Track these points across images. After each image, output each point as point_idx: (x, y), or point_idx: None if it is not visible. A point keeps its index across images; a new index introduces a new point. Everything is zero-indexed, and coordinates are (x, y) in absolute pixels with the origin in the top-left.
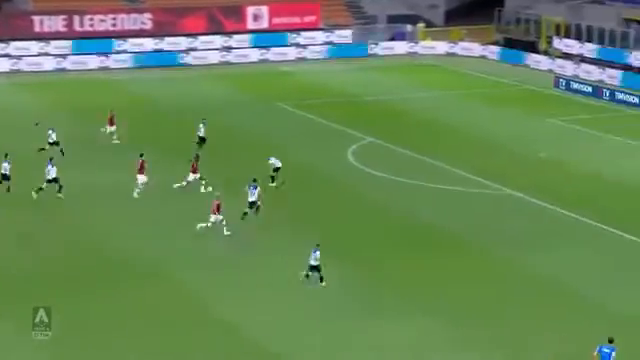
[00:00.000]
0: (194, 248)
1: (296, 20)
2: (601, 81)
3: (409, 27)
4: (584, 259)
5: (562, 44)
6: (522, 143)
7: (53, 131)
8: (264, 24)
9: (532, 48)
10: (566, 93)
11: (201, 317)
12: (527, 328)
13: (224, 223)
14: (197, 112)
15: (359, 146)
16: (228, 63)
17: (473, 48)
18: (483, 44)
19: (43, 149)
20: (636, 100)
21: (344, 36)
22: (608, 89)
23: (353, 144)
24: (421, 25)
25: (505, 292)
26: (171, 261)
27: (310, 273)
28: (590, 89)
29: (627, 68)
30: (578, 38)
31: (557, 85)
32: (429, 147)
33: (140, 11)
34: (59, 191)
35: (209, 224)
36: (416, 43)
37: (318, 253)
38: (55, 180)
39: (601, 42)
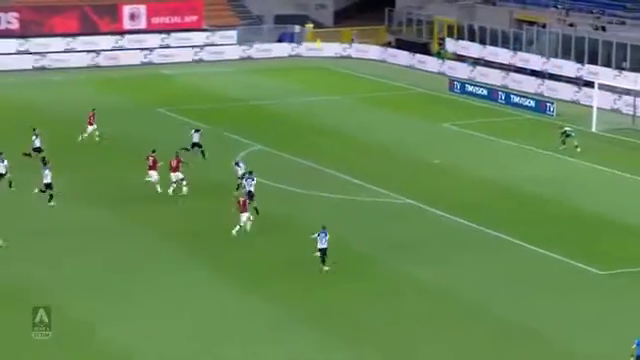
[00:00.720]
0: (72, 271)
1: (177, 20)
2: (496, 84)
3: (297, 28)
4: (478, 268)
5: (455, 45)
6: (417, 149)
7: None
8: (142, 24)
9: (425, 50)
10: (461, 96)
11: (86, 344)
12: (420, 339)
13: None
14: (68, 120)
15: (247, 154)
16: (99, 66)
17: (363, 50)
18: (374, 45)
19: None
20: (532, 103)
21: (228, 37)
22: (504, 92)
23: (240, 152)
24: (309, 26)
25: (398, 304)
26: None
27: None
28: (485, 92)
29: (520, 70)
30: (471, 39)
31: (452, 88)
32: (320, 154)
33: (5, 10)
34: (49, 200)
35: (241, 225)
36: (300, 45)
37: (327, 236)
38: (49, 186)
39: (494, 43)
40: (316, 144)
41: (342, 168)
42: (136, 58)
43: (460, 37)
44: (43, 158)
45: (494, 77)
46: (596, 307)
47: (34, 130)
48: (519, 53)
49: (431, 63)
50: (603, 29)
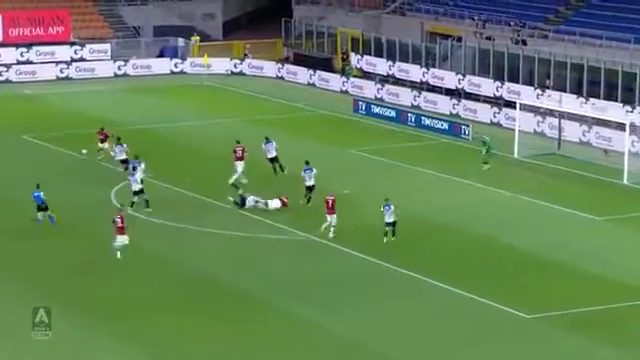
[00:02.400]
0: None
1: (39, 32)
2: (407, 104)
3: (181, 41)
4: (388, 312)
5: (361, 61)
6: (322, 179)
7: None
8: None
9: (327, 66)
10: (367, 118)
11: None
12: None
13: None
14: None
15: (125, 185)
16: None
17: (257, 66)
18: (270, 61)
19: None
20: (445, 126)
21: (100, 51)
22: (414, 114)
23: (117, 183)
24: (195, 38)
25: (306, 356)
26: None
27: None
28: (394, 114)
29: (434, 89)
30: (378, 54)
31: (356, 109)
32: (210, 184)
33: None
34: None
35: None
36: (184, 60)
37: (392, 207)
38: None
39: (404, 58)
40: (205, 172)
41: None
42: None
43: (366, 52)
44: None
45: (404, 97)
46: (520, 356)
47: None
48: (432, 70)
49: (334, 81)
50: (524, 43)
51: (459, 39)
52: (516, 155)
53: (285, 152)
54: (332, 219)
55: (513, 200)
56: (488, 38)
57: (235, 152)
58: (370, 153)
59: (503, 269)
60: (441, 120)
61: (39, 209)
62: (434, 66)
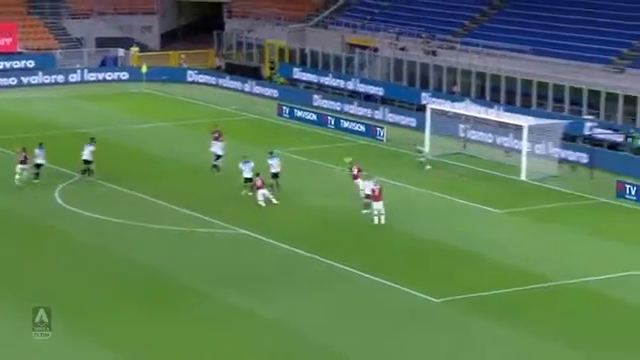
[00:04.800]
0: None
1: None
2: (328, 109)
3: (121, 51)
4: (314, 299)
5: (287, 70)
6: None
7: None
8: None
9: (256, 74)
10: (290, 122)
11: None
12: None
13: None
14: None
15: (68, 184)
16: None
17: (192, 74)
18: (204, 70)
19: None
20: (362, 128)
21: (46, 61)
22: (333, 117)
23: (61, 182)
24: (135, 49)
25: (230, 340)
26: None
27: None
28: (315, 117)
29: (353, 94)
30: (303, 63)
31: (281, 113)
32: (148, 184)
33: None
34: None
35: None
36: (124, 69)
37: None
38: None
39: (326, 67)
40: (144, 173)
41: (172, 198)
42: None
43: (292, 61)
44: None
45: (326, 102)
46: (433, 336)
47: None
48: (352, 78)
49: (262, 88)
50: (434, 54)
51: (375, 50)
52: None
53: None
54: (379, 206)
55: (425, 196)
56: (402, 49)
57: (213, 134)
58: (293, 154)
59: (417, 258)
60: (358, 123)
61: None
62: (353, 74)
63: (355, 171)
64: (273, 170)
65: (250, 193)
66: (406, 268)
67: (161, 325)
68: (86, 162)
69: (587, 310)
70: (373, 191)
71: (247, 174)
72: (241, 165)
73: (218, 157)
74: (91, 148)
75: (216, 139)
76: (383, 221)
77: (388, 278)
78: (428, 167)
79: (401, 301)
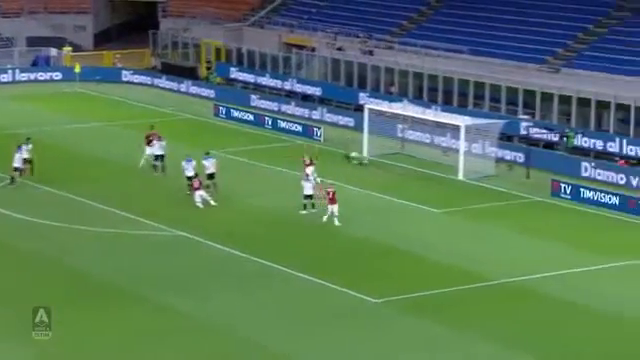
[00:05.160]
0: None
1: None
2: (266, 109)
3: (53, 51)
4: (253, 301)
5: (224, 70)
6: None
7: None
8: None
9: (192, 74)
10: (227, 122)
11: None
12: None
13: None
14: None
15: (0, 187)
16: None
17: (128, 74)
18: (139, 70)
19: None
20: (299, 128)
21: None
22: (270, 117)
23: None
24: (68, 49)
25: (168, 343)
26: None
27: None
28: (252, 117)
29: (291, 94)
30: (240, 63)
31: (217, 113)
32: (81, 185)
33: None
34: None
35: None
36: (56, 69)
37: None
38: None
39: (263, 67)
40: (77, 174)
41: (107, 200)
42: None
43: (229, 61)
44: None
45: (264, 102)
46: (372, 337)
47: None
48: (289, 78)
49: (198, 88)
50: (371, 53)
51: (313, 49)
52: (365, 154)
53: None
54: (333, 208)
55: (363, 196)
56: (339, 49)
57: (147, 137)
58: (230, 154)
59: (355, 258)
60: (295, 123)
61: None
62: (290, 74)
63: (307, 161)
64: (208, 171)
65: (187, 192)
66: (345, 268)
67: (94, 327)
68: (26, 161)
69: (526, 309)
70: (328, 193)
71: (189, 173)
72: (184, 164)
73: (157, 157)
74: (29, 147)
75: (149, 143)
76: (337, 223)
77: (326, 278)
78: (366, 162)
79: (340, 301)
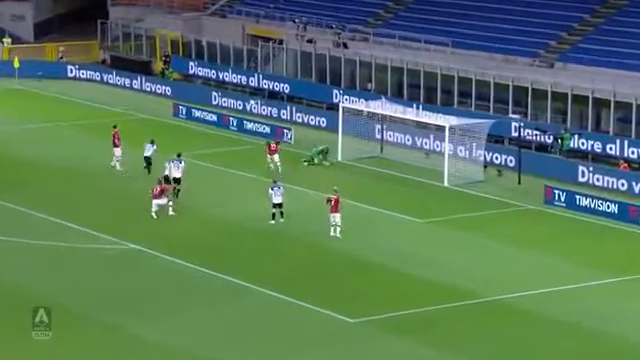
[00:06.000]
0: None
1: None
2: (229, 108)
3: None
4: (217, 320)
5: (182, 64)
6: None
7: None
8: None
9: (146, 69)
10: (188, 123)
11: None
12: None
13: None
14: None
15: None
16: None
17: (74, 69)
18: (86, 64)
19: None
20: (267, 130)
21: None
22: (235, 118)
23: None
24: (7, 40)
25: None
26: None
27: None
28: (215, 118)
29: (257, 92)
30: (199, 57)
31: (177, 113)
32: (19, 192)
33: None
34: None
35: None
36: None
37: (282, 188)
38: None
39: (226, 61)
40: (14, 180)
41: (49, 208)
42: None
43: (187, 54)
44: None
45: (226, 100)
46: (346, 358)
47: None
48: (254, 73)
49: (153, 84)
50: (345, 46)
51: (281, 42)
52: (339, 158)
53: (103, 159)
54: (336, 218)
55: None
56: (310, 41)
57: (113, 137)
58: (192, 158)
59: (326, 273)
60: (263, 124)
61: None
62: (256, 69)
63: (273, 146)
64: (175, 175)
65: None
66: (318, 285)
67: (32, 349)
68: None
69: (516, 328)
70: (330, 201)
71: (177, 174)
72: (166, 164)
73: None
74: None
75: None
76: (339, 234)
77: (295, 295)
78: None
79: (311, 321)
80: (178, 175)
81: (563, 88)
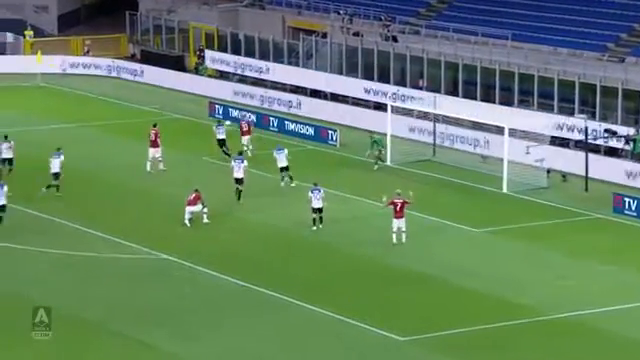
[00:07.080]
0: None
1: None
2: (269, 108)
3: (9, 36)
4: (256, 337)
5: (217, 59)
6: (174, 191)
7: None
8: None
9: (179, 64)
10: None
11: None
12: None
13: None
14: None
15: None
16: None
17: (101, 64)
18: (114, 59)
19: None
20: (311, 131)
21: None
22: (276, 117)
23: None
24: (29, 33)
25: None
26: None
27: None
28: (254, 117)
29: (298, 90)
30: (236, 51)
31: (213, 113)
32: (44, 199)
33: None
34: None
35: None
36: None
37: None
38: None
39: (264, 56)
40: (40, 186)
41: (75, 216)
42: None
43: (223, 49)
44: None
45: (269, 99)
46: None
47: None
48: (296, 69)
49: (187, 81)
50: (394, 39)
51: (324, 35)
52: (389, 162)
53: (134, 162)
54: (400, 223)
55: (384, 211)
56: (356, 34)
57: (149, 136)
58: (226, 161)
59: (374, 288)
60: (306, 125)
61: None
62: (297, 64)
63: (245, 128)
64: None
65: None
66: (365, 300)
67: None
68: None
69: (582, 349)
70: (395, 205)
71: (239, 174)
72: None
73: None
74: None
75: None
76: (404, 240)
77: (341, 312)
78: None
79: (359, 340)
80: (240, 175)
81: (635, 85)
